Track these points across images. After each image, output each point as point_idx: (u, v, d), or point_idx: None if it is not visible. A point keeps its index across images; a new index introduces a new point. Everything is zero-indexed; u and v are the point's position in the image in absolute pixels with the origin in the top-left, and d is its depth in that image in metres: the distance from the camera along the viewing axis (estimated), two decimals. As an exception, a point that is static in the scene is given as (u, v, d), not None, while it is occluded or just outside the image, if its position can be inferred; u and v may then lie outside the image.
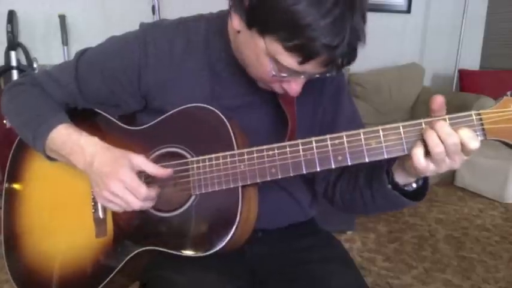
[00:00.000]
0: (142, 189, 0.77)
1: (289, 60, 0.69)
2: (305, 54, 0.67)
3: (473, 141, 0.64)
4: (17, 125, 0.88)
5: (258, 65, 0.74)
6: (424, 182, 0.77)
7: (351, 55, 0.69)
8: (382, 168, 0.77)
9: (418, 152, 0.66)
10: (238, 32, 0.76)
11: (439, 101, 0.67)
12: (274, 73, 0.72)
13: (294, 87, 0.75)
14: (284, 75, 0.72)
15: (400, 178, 0.75)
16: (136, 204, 0.77)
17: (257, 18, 0.69)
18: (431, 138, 0.65)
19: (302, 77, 0.74)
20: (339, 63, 0.69)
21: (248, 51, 0.76)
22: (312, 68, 0.70)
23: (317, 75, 0.74)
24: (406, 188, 0.77)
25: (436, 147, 0.64)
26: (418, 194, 0.77)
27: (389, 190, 0.76)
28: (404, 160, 0.71)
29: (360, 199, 0.85)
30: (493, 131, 0.65)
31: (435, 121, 0.65)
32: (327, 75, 0.74)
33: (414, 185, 0.76)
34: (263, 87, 0.82)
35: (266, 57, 0.71)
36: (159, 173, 0.79)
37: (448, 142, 0.64)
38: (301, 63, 0.68)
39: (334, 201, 0.93)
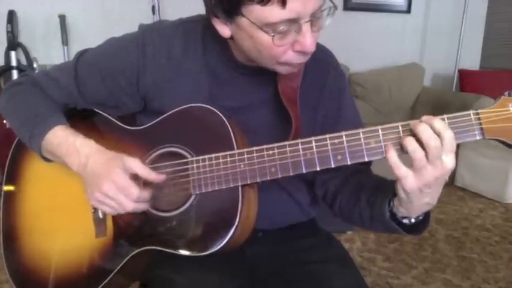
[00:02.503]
0: (134, 190, 0.76)
1: (274, 12, 0.67)
2: None
3: (447, 131, 0.64)
4: (15, 125, 0.88)
5: (259, 44, 0.72)
6: (425, 219, 0.76)
7: None
8: (384, 198, 0.76)
9: (394, 158, 0.66)
10: (232, 37, 0.77)
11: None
12: (273, 34, 0.69)
13: (304, 41, 0.71)
14: (282, 27, 0.69)
15: (399, 211, 0.74)
16: (128, 205, 0.77)
17: (225, 2, 0.70)
18: (409, 141, 0.65)
19: (304, 25, 0.70)
20: None
21: (246, 42, 0.75)
22: (299, 4, 0.66)
23: (318, 16, 0.71)
24: (404, 221, 0.76)
25: (416, 152, 0.65)
26: (416, 228, 0.76)
27: (388, 220, 0.76)
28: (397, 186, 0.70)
29: (359, 218, 0.85)
30: (491, 130, 0.65)
31: (416, 125, 0.65)
32: (324, 10, 0.71)
33: (413, 220, 0.75)
34: (284, 70, 0.78)
35: (258, 30, 0.70)
36: (152, 178, 0.78)
37: (431, 145, 0.64)
38: (283, 4, 0.66)
39: (333, 209, 0.93)
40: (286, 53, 0.74)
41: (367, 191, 0.82)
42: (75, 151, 0.80)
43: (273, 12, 0.67)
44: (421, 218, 0.75)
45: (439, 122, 0.64)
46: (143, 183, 0.79)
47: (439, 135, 0.64)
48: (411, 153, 0.65)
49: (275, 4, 0.66)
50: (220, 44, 0.84)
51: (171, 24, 0.88)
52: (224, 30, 0.76)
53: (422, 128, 0.64)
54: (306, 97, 0.87)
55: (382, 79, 3.34)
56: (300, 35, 0.70)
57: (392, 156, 0.67)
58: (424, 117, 0.66)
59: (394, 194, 0.73)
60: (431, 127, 0.64)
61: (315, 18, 0.71)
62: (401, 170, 0.66)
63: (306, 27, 0.70)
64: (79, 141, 0.80)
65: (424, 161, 0.65)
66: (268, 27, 0.69)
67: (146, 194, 0.78)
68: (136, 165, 0.77)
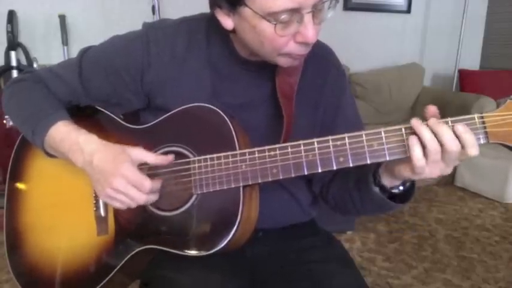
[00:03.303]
0: (147, 182, 0.76)
1: (277, 1, 0.67)
2: None
3: (474, 149, 0.63)
4: (18, 121, 0.89)
5: (261, 35, 0.73)
6: (411, 185, 0.78)
7: None
8: (369, 171, 0.77)
9: (417, 152, 0.65)
10: (234, 30, 0.77)
11: (432, 111, 0.66)
12: (275, 23, 0.69)
13: (305, 32, 0.71)
14: (284, 17, 0.69)
15: (387, 181, 0.76)
16: (141, 198, 0.77)
17: None
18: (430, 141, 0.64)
19: (306, 16, 0.70)
20: None
21: (248, 34, 0.76)
22: None
23: (319, 8, 0.71)
24: (393, 191, 0.77)
25: (435, 152, 0.64)
26: (404, 196, 0.78)
27: (375, 193, 0.76)
28: (394, 164, 0.71)
29: (350, 201, 0.86)
30: (496, 134, 0.64)
31: (439, 124, 0.64)
32: (325, 1, 0.72)
33: (401, 188, 0.77)
34: (285, 63, 0.79)
35: (260, 20, 0.70)
36: (159, 161, 0.79)
37: (454, 149, 0.64)
38: None
39: (328, 202, 0.94)
40: (288, 44, 0.74)
41: (353, 172, 0.84)
42: (78, 148, 0.80)
43: (275, 2, 0.67)
44: (408, 184, 0.77)
45: (472, 138, 0.64)
46: (151, 174, 0.80)
47: (462, 147, 0.64)
48: (429, 145, 0.65)
49: None
50: (222, 40, 0.84)
51: (174, 22, 0.88)
52: (227, 21, 0.77)
53: (447, 135, 0.64)
54: (306, 94, 0.87)
55: (382, 79, 3.34)
56: (302, 25, 0.71)
57: (418, 153, 0.66)
58: (461, 128, 0.64)
59: (377, 167, 0.76)
60: (460, 138, 0.64)
61: (316, 10, 0.71)
62: (422, 167, 0.66)
63: (307, 17, 0.70)
64: (82, 138, 0.80)
65: (440, 157, 0.65)
66: (271, 16, 0.69)
67: (157, 184, 0.79)
68: (142, 154, 0.78)
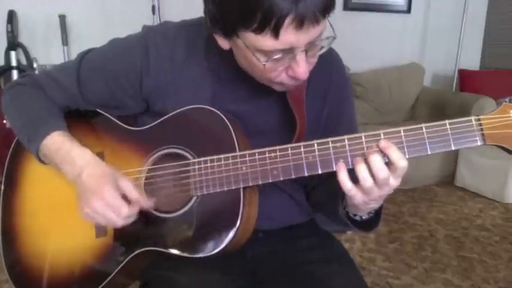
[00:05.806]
0: (124, 210, 0.76)
1: (267, 41, 0.66)
2: (272, 26, 0.64)
3: (401, 160, 0.66)
4: (16, 126, 0.89)
5: (253, 65, 0.73)
6: (376, 216, 0.80)
7: (316, 1, 0.64)
8: (339, 194, 0.78)
9: (343, 176, 0.68)
10: (231, 49, 0.77)
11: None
12: (264, 62, 0.69)
13: (297, 69, 0.71)
14: (277, 56, 0.69)
15: (350, 207, 0.78)
16: (118, 222, 0.77)
17: (223, 22, 0.70)
18: (361, 171, 0.67)
19: (299, 54, 0.69)
20: (312, 16, 0.65)
21: (241, 58, 0.77)
22: (293, 37, 0.65)
23: (316, 46, 0.71)
24: (355, 218, 0.80)
25: (365, 181, 0.67)
26: (368, 224, 0.81)
27: (340, 211, 0.79)
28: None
29: (324, 209, 0.90)
30: (492, 136, 0.66)
31: (370, 154, 0.67)
32: (322, 41, 0.71)
33: (364, 217, 0.79)
34: (278, 88, 0.79)
35: (251, 53, 0.70)
36: (142, 204, 0.78)
37: (379, 177, 0.66)
38: (276, 36, 0.65)
39: (310, 200, 0.98)
40: (280, 76, 0.74)
41: (329, 186, 0.85)
42: (70, 160, 0.80)
43: (266, 42, 0.67)
44: (372, 215, 0.80)
45: (396, 153, 0.66)
46: (145, 188, 0.80)
47: (392, 164, 0.66)
48: (361, 181, 0.68)
49: (268, 35, 0.65)
50: (223, 49, 0.83)
51: (174, 27, 0.87)
52: (223, 43, 0.76)
53: (374, 159, 0.67)
54: (311, 97, 0.87)
55: (382, 79, 3.34)
56: (294, 62, 0.70)
57: (343, 177, 0.69)
58: (382, 143, 0.67)
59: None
60: (388, 156, 0.67)
61: (311, 47, 0.70)
62: (351, 191, 0.69)
63: (300, 56, 0.69)
64: (75, 151, 0.81)
65: (373, 186, 0.68)
66: (262, 53, 0.69)
67: (135, 210, 0.78)
68: (128, 189, 0.77)
